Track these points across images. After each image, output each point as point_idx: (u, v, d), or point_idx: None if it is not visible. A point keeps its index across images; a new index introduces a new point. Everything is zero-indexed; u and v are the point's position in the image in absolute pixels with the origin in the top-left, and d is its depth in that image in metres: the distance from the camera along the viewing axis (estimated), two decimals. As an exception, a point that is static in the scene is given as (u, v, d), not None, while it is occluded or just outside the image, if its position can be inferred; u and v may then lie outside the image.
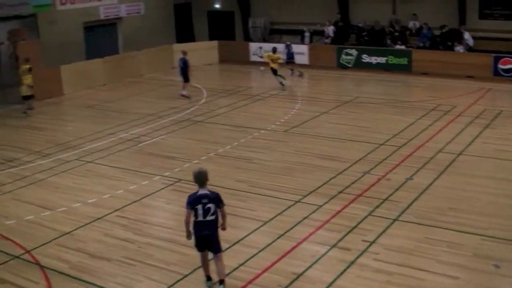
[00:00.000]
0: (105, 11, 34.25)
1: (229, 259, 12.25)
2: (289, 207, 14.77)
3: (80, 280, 11.88)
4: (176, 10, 39.80)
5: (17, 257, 13.01)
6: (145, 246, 13.19)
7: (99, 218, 14.73)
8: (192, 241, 11.28)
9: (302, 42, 34.97)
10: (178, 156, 19.13)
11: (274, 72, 28.20)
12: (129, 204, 15.41)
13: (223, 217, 11.23)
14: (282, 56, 29.75)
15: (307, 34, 34.96)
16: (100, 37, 34.97)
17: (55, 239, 13.76)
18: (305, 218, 14.09)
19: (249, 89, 29.02)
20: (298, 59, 32.85)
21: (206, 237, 11.02)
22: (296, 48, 33.58)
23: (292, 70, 31.36)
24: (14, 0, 28.55)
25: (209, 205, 10.89)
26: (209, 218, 10.92)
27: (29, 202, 16.07)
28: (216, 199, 11.01)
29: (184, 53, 27.50)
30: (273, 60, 28.01)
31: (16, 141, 21.84)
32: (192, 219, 11.03)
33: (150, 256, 12.71)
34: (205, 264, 11.44)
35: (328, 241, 12.87)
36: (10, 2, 28.35)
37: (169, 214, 15.02)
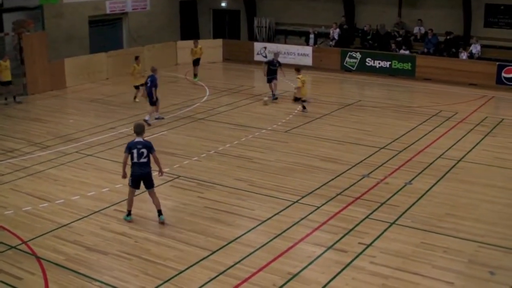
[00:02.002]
0: (111, 6, 34.35)
1: (225, 257, 12.30)
2: (287, 207, 14.78)
3: (76, 272, 11.90)
4: (181, 7, 39.82)
5: (14, 247, 13.03)
6: (141, 240, 13.20)
7: (97, 212, 14.75)
8: (128, 180, 13.93)
9: (306, 43, 34.96)
10: (178, 152, 19.14)
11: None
12: (126, 199, 15.39)
13: (156, 161, 13.93)
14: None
15: (312, 36, 34.97)
16: (105, 32, 35.00)
17: (52, 230, 13.78)
18: (302, 218, 14.10)
19: (251, 89, 29.02)
20: (302, 61, 32.93)
21: (141, 175, 13.77)
22: (300, 49, 33.65)
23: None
24: (21, -9, 28.69)
25: (143, 150, 13.64)
26: (142, 160, 13.68)
27: (28, 193, 16.08)
28: (148, 146, 13.74)
29: (154, 70, 22.97)
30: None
31: (17, 132, 21.86)
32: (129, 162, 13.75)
33: (147, 251, 12.72)
34: (130, 200, 14.14)
35: (325, 243, 12.88)
36: (17, -7, 28.50)
37: (167, 210, 14.96)
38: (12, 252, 12.83)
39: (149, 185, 13.97)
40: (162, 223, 13.98)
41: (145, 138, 14.00)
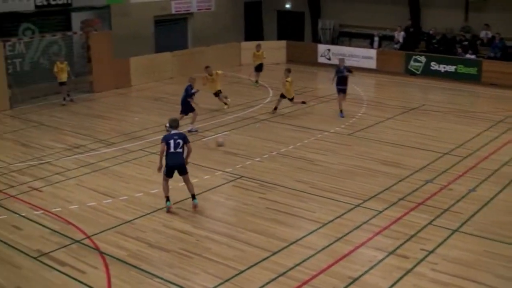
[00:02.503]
0: (176, 6, 34.64)
1: (285, 258, 12.32)
2: (348, 210, 14.72)
3: (137, 268, 12.08)
4: (246, 8, 39.95)
5: (79, 241, 13.31)
6: (203, 239, 13.32)
7: (159, 209, 14.94)
8: (163, 170, 14.62)
9: (371, 46, 34.72)
10: (240, 153, 19.24)
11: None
12: (190, 197, 15.55)
13: (189, 152, 14.86)
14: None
15: (376, 39, 34.72)
16: (170, 31, 35.37)
17: (115, 226, 14.03)
18: (364, 223, 14.02)
19: (315, 91, 28.97)
20: (366, 64, 32.76)
21: (175, 165, 14.57)
22: (364, 52, 33.43)
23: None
24: (89, -9, 29.27)
25: (179, 140, 14.47)
26: (179, 150, 14.46)
27: (92, 188, 16.40)
28: (184, 137, 14.65)
29: (191, 80, 22.28)
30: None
31: (83, 129, 22.32)
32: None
33: (208, 249, 12.82)
34: (167, 188, 14.86)
35: (386, 248, 12.78)
36: (85, -7, 29.09)
37: (228, 210, 15.13)
38: (76, 246, 13.11)
39: (184, 172, 14.82)
40: (195, 206, 14.89)
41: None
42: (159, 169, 14.69)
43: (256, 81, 30.00)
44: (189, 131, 21.28)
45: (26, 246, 13.12)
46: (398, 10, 34.85)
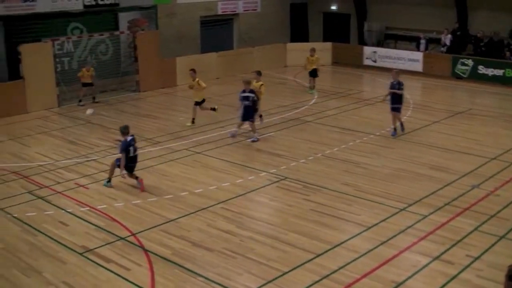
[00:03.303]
0: (222, 7, 34.90)
1: (329, 261, 12.28)
2: (393, 214, 14.60)
3: (181, 266, 12.16)
4: (292, 10, 39.95)
5: (124, 238, 13.44)
6: (246, 240, 13.34)
7: (204, 209, 15.00)
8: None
9: (417, 49, 34.42)
10: (285, 154, 19.23)
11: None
12: (234, 197, 15.62)
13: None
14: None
15: (423, 42, 34.36)
16: (216, 32, 35.53)
17: (160, 224, 14.14)
18: (409, 227, 13.89)
19: (360, 93, 28.84)
20: (412, 67, 32.52)
21: (131, 167, 16.40)
22: (410, 55, 33.18)
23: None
24: (137, -9, 29.63)
25: (136, 145, 16.33)
26: (137, 153, 16.44)
27: (138, 187, 16.51)
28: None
29: (247, 83, 21.21)
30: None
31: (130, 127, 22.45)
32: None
33: (251, 250, 12.83)
34: (113, 171, 16.56)
35: (431, 253, 12.65)
36: (134, -7, 29.47)
37: (272, 211, 15.14)
38: (121, 243, 13.24)
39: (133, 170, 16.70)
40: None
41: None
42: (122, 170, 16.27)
43: (310, 87, 28.85)
44: (253, 141, 20.64)
45: (72, 241, 13.31)
46: (445, 13, 34.46)
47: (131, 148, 16.22)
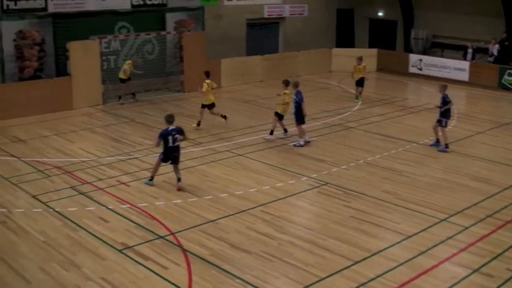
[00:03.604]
0: (269, 10, 34.95)
1: (367, 268, 12.19)
2: (434, 224, 14.44)
3: (219, 268, 12.17)
4: (338, 15, 39.86)
5: (162, 237, 13.51)
6: (285, 243, 13.31)
7: (243, 211, 15.02)
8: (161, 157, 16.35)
9: (464, 58, 34.02)
10: (327, 159, 19.16)
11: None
12: (274, 201, 15.60)
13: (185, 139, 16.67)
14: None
15: (470, 51, 33.96)
16: (262, 35, 35.58)
17: (199, 225, 14.19)
18: (449, 238, 13.73)
19: (404, 101, 28.64)
20: (458, 76, 32.18)
21: (174, 157, 16.40)
22: (457, 64, 32.84)
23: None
24: (185, -7, 29.88)
25: (177, 135, 16.19)
26: (176, 144, 16.30)
27: (176, 184, 16.61)
28: (181, 131, 16.35)
29: (296, 85, 21.00)
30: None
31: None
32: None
33: (289, 254, 12.80)
34: (157, 169, 16.70)
35: (471, 265, 12.48)
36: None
37: (312, 216, 15.09)
38: (160, 242, 13.32)
39: (177, 162, 16.64)
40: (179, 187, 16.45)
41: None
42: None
43: (357, 97, 28.15)
44: (295, 145, 20.51)
45: (112, 238, 13.43)
46: (493, 22, 33.98)
47: (170, 138, 16.12)
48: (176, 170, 16.56)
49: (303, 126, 21.00)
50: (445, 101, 20.35)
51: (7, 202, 15.45)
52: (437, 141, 20.89)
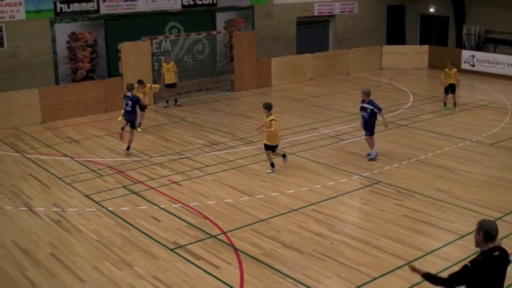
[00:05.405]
0: (319, 8, 34.83)
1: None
2: (488, 223, 14.18)
3: (270, 267, 12.16)
4: (389, 12, 39.46)
5: (214, 236, 13.56)
6: (337, 243, 13.24)
7: (295, 210, 14.98)
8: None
9: (517, 54, 33.44)
10: (379, 158, 18.96)
11: None
12: (325, 200, 15.53)
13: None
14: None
15: (524, 47, 33.38)
16: (312, 33, 35.47)
17: (251, 224, 14.19)
18: (504, 237, 13.43)
19: (457, 98, 28.18)
20: (512, 72, 31.71)
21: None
22: (510, 59, 32.27)
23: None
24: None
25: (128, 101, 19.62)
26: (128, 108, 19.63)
27: (230, 185, 16.67)
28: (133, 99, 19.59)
29: (365, 94, 19.27)
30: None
31: (223, 126, 22.79)
32: None
33: (342, 253, 12.72)
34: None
35: (527, 265, 12.24)
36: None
37: (364, 215, 14.96)
38: (212, 241, 13.36)
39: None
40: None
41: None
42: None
43: (445, 104, 25.91)
44: (371, 158, 18.89)
45: (164, 237, 13.53)
46: (549, 17, 33.37)
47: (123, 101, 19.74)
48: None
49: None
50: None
51: (61, 202, 15.70)
52: None
